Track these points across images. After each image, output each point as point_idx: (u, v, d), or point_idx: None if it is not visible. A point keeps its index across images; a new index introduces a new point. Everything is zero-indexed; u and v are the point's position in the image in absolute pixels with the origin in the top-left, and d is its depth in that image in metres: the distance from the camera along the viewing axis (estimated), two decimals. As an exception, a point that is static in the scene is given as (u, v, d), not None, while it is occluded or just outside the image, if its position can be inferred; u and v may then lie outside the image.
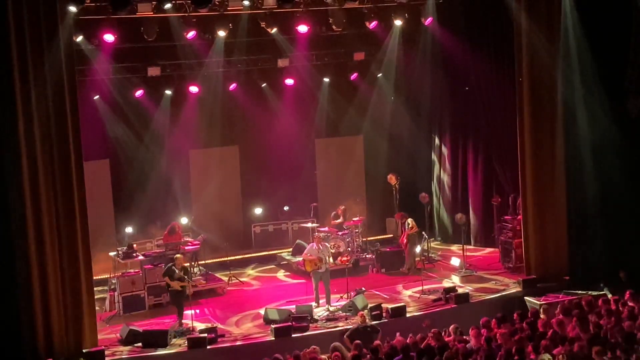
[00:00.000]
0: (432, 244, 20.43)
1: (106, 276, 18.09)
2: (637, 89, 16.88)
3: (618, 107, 16.92)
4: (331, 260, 17.13)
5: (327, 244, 17.42)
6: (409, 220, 18.91)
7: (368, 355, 12.67)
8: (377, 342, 13.63)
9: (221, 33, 17.51)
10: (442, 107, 21.20)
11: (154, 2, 16.18)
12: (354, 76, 21.50)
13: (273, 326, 15.25)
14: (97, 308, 15.59)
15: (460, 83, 20.25)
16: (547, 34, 16.85)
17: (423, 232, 19.22)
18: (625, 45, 16.66)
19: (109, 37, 16.86)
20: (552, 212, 17.34)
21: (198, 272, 18.74)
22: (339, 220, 20.10)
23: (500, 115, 19.08)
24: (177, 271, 15.85)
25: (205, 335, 14.98)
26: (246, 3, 16.82)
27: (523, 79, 17.09)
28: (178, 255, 16.37)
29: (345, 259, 18.69)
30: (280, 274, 19.82)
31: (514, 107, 17.46)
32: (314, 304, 16.62)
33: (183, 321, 15.83)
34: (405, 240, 18.92)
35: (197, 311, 16.62)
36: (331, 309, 16.40)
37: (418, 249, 18.42)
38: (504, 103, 18.68)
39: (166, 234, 18.71)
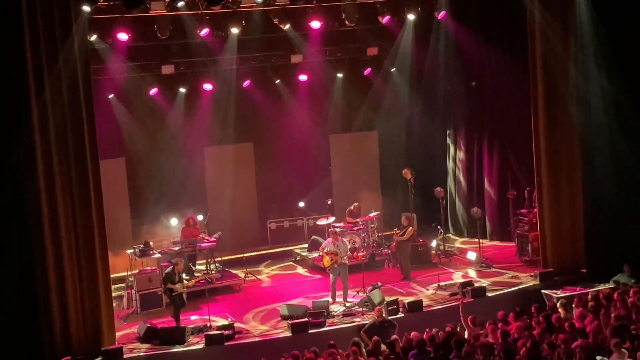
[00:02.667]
0: (448, 238, 20.32)
1: (123, 274, 18.14)
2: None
3: (636, 96, 16.74)
4: (348, 254, 17.03)
5: (344, 239, 17.37)
6: (409, 227, 18.18)
7: (385, 351, 12.66)
8: (394, 336, 13.62)
9: (234, 30, 17.52)
10: (456, 101, 21.11)
11: (167, 0, 16.21)
12: (367, 71, 21.46)
13: (290, 322, 15.25)
14: (114, 306, 15.62)
15: (474, 76, 20.16)
16: (561, 23, 16.70)
17: (439, 227, 19.15)
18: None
19: (122, 36, 16.89)
20: (569, 204, 17.25)
21: (214, 269, 18.76)
22: (354, 217, 20.06)
23: (514, 108, 19.00)
24: (176, 275, 15.85)
25: (223, 331, 15.00)
26: (259, 0, 16.82)
27: (537, 71, 16.98)
28: (177, 260, 16.34)
29: (361, 254, 18.67)
30: (298, 270, 19.80)
31: (529, 100, 17.36)
32: (329, 299, 16.59)
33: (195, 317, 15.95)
34: (394, 245, 18.40)
35: (214, 308, 16.65)
36: (348, 304, 16.38)
37: (434, 243, 18.19)
38: (518, 95, 18.60)
39: (184, 227, 18.73)
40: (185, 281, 16.21)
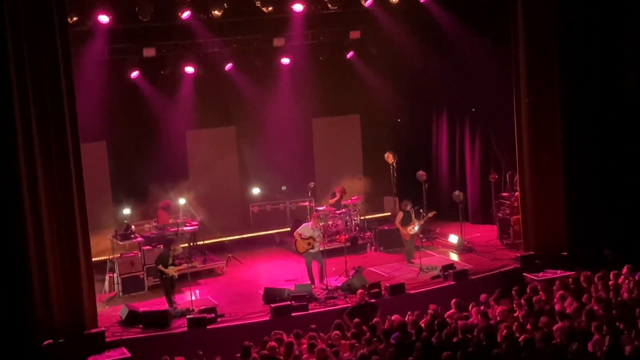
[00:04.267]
0: (428, 220, 20.25)
1: (105, 258, 18.07)
2: (637, 56, 16.79)
3: (617, 76, 16.80)
4: (320, 240, 16.88)
5: (321, 223, 17.30)
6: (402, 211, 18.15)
7: (367, 333, 12.70)
8: (376, 319, 13.66)
9: (216, 12, 17.41)
10: (439, 85, 21.10)
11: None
12: (350, 55, 21.40)
13: (272, 305, 15.26)
14: (96, 289, 15.55)
15: (457, 60, 20.15)
16: (544, 4, 16.72)
17: (421, 210, 19.18)
18: (625, 10, 16.54)
19: (103, 18, 16.75)
20: (550, 188, 17.34)
21: (197, 253, 18.71)
22: (335, 199, 20.07)
23: (497, 92, 19.01)
24: (170, 258, 15.81)
25: (205, 315, 15.00)
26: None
27: (519, 54, 17.01)
28: (176, 247, 16.24)
29: (343, 237, 18.68)
30: (280, 254, 19.80)
31: (511, 82, 17.39)
32: (312, 285, 16.59)
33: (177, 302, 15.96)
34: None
35: (197, 292, 16.65)
36: (330, 287, 16.40)
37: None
38: (501, 78, 18.59)
39: (160, 211, 18.69)
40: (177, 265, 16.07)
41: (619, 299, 12.94)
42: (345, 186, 20.38)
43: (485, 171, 20.31)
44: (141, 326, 15.05)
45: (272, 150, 21.56)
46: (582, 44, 16.96)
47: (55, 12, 14.13)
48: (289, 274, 17.73)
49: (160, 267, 15.79)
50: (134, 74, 19.45)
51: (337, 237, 19.04)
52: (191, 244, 18.83)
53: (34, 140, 14.12)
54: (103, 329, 14.78)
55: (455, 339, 11.77)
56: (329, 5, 18.22)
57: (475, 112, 20.30)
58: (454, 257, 18.25)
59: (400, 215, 18.07)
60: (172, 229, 18.21)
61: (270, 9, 17.93)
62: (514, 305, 13.42)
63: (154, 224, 18.97)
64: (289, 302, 15.41)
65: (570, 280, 14.46)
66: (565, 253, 17.11)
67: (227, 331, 14.89)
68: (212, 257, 18.96)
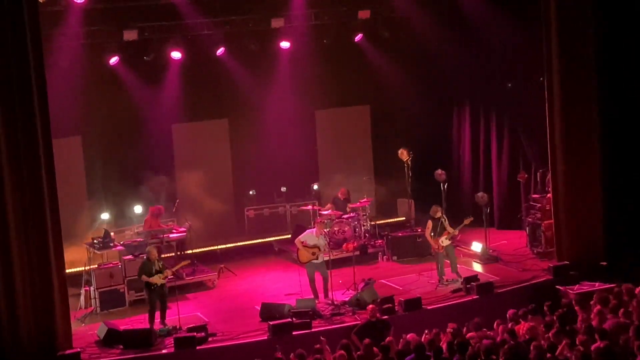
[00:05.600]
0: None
1: (80, 269, 18.11)
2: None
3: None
4: (326, 250, 16.88)
5: (326, 229, 17.31)
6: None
7: (379, 355, 12.70)
8: (389, 338, 13.67)
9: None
10: (460, 72, 21.12)
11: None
12: (358, 37, 21.42)
13: (271, 323, 15.28)
14: (70, 305, 15.57)
15: (480, 44, 20.16)
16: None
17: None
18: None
19: (78, -4, 16.86)
20: (586, 188, 17.33)
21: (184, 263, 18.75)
22: (341, 204, 20.07)
23: (526, 79, 19.01)
24: (154, 265, 15.82)
25: (194, 334, 15.02)
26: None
27: (552, 36, 17.00)
28: (150, 249, 16.31)
29: (351, 245, 18.69)
30: (279, 264, 19.83)
31: (542, 70, 17.39)
32: (315, 299, 16.61)
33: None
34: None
35: (185, 307, 16.67)
36: (336, 302, 16.42)
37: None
38: (530, 66, 18.61)
39: (148, 217, 18.73)
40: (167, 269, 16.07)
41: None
42: (353, 188, 20.40)
43: (513, 170, 20.32)
44: (122, 347, 15.06)
45: (270, 147, 21.61)
46: (627, 22, 16.88)
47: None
48: (289, 288, 17.74)
49: (144, 277, 15.80)
50: (113, 59, 19.50)
51: (345, 245, 19.04)
52: (178, 253, 18.86)
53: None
54: (78, 350, 14.79)
55: (478, 361, 11.78)
56: (335, -19, 18.28)
57: (502, 102, 20.29)
58: (477, 267, 18.27)
59: (429, 224, 17.58)
60: (157, 237, 18.20)
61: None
62: (546, 323, 13.40)
63: (136, 230, 18.99)
64: (289, 319, 15.42)
65: (609, 294, 14.43)
66: (605, 263, 17.10)
67: (219, 352, 14.91)
68: (202, 267, 18.98)
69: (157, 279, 15.77)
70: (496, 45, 19.70)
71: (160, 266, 15.92)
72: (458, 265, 17.64)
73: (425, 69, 21.70)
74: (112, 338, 15.25)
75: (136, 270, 16.48)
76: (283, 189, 21.88)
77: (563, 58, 17.00)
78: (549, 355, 11.71)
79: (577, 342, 11.94)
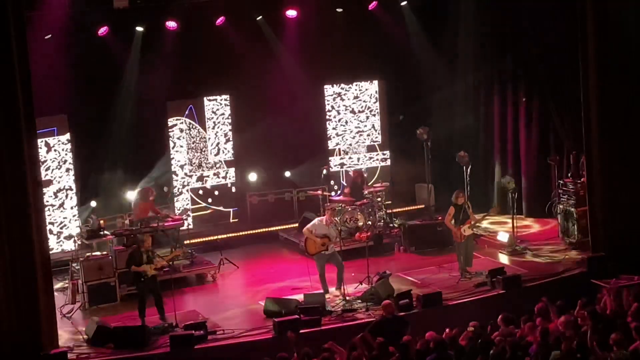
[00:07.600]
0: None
1: (67, 260, 18.21)
2: None
3: None
4: (337, 240, 16.92)
5: (337, 217, 17.35)
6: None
7: (396, 354, 12.78)
8: (407, 337, 13.74)
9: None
10: (486, 42, 21.12)
11: None
12: (372, 5, 21.42)
13: (276, 320, 15.37)
14: (56, 301, 15.64)
15: (506, 10, 20.15)
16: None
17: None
18: None
19: (63, -40, 16.90)
20: (625, 172, 17.33)
21: (182, 255, 18.86)
22: (356, 188, 20.14)
23: (559, 49, 19.01)
24: (143, 254, 15.92)
25: (192, 332, 15.11)
26: None
27: (587, 6, 17.00)
28: (144, 237, 16.39)
29: (364, 235, 18.74)
30: (285, 256, 19.94)
31: (576, 43, 17.38)
32: (326, 294, 16.71)
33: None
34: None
35: (182, 303, 16.80)
36: (348, 297, 16.51)
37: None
38: (563, 38, 18.60)
39: (140, 202, 18.81)
40: (159, 258, 16.19)
41: None
42: (368, 171, 20.47)
43: (544, 151, 20.33)
44: (112, 345, 15.15)
45: (275, 125, 21.60)
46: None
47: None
48: (296, 281, 17.85)
49: (133, 267, 15.90)
50: (102, 30, 19.53)
51: (357, 234, 19.10)
52: (175, 244, 18.93)
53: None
54: (65, 349, 14.87)
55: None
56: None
57: (532, 79, 20.28)
58: (503, 259, 18.32)
59: (451, 210, 17.52)
60: (150, 225, 18.27)
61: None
62: (579, 320, 13.47)
63: (128, 218, 19.07)
64: (296, 316, 15.51)
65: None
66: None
67: (219, 351, 14.97)
68: (200, 259, 19.09)
69: (146, 268, 15.84)
70: (525, 11, 19.66)
71: (151, 254, 16.01)
72: (482, 257, 17.67)
73: (446, 38, 21.65)
74: (102, 336, 15.29)
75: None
76: (287, 174, 21.86)
77: (599, 31, 16.94)
78: (579, 355, 11.78)
79: (612, 341, 12.00)
